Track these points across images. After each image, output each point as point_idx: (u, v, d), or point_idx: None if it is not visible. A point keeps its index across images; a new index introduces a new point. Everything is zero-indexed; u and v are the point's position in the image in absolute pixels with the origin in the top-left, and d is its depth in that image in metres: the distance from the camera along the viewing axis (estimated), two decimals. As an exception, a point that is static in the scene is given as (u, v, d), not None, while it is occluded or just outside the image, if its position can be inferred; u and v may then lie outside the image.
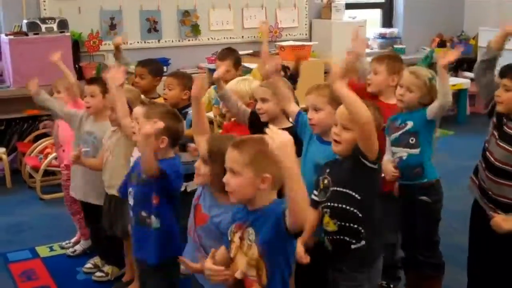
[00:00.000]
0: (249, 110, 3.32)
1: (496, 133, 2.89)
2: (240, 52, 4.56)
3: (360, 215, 2.48)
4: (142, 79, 4.14)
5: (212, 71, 6.04)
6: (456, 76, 8.03)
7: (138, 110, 2.91)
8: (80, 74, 5.90)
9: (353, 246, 2.50)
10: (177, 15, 6.65)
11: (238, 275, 2.10)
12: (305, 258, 2.49)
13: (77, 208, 4.07)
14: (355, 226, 2.49)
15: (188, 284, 2.74)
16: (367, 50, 7.52)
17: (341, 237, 2.51)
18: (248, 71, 4.96)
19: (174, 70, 5.15)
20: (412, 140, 3.17)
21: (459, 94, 7.72)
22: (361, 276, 2.51)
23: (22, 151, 5.69)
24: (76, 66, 5.93)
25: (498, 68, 3.02)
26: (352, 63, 3.38)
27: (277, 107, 3.13)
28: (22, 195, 5.40)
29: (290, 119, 3.14)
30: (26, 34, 5.64)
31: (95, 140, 3.68)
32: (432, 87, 3.14)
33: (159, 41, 6.59)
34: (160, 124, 2.63)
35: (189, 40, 6.75)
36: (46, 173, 5.34)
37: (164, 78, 4.13)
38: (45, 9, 5.99)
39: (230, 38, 6.88)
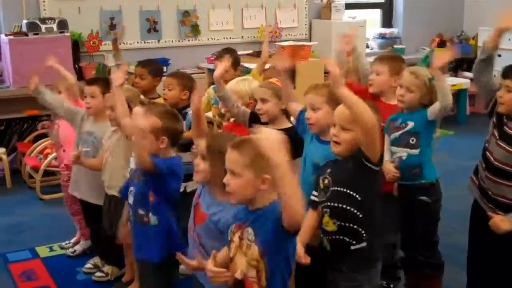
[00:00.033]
0: (248, 110, 3.32)
1: (496, 133, 2.88)
2: (240, 52, 4.57)
3: (360, 215, 2.47)
4: (142, 80, 4.14)
5: (211, 71, 6.05)
6: (456, 76, 8.04)
7: (138, 110, 2.92)
8: (80, 74, 5.90)
9: (352, 247, 2.49)
10: (177, 15, 6.66)
11: (238, 275, 2.10)
12: (305, 259, 2.49)
13: (77, 209, 4.07)
14: (355, 226, 2.48)
15: (189, 284, 2.75)
16: (367, 50, 7.54)
17: (340, 237, 2.51)
18: (247, 71, 4.96)
19: (174, 70, 5.16)
20: (412, 140, 3.18)
21: (459, 94, 7.72)
22: (361, 277, 2.51)
23: (22, 151, 5.69)
24: (76, 66, 5.93)
25: (497, 68, 3.01)
26: (341, 60, 3.38)
27: (277, 108, 3.13)
28: (22, 195, 5.40)
29: (292, 118, 3.14)
30: (26, 34, 5.64)
31: (95, 140, 3.68)
32: (432, 87, 3.14)
33: (159, 41, 6.59)
34: (157, 122, 2.63)
35: (189, 40, 6.75)
36: (46, 173, 5.34)
37: (164, 78, 4.13)
38: (45, 9, 5.99)
39: (230, 38, 6.89)
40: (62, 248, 4.25)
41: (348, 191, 2.48)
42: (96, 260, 3.93)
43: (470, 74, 7.22)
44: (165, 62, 6.15)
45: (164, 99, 3.81)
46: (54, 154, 5.01)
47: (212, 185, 2.47)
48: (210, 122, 4.00)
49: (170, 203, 2.84)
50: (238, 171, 2.08)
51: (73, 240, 4.27)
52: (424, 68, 3.39)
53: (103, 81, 3.79)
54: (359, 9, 7.96)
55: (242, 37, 6.99)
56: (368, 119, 2.32)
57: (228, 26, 6.93)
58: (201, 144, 2.53)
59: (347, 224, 2.49)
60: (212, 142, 2.44)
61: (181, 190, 3.27)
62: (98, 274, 3.82)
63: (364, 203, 2.47)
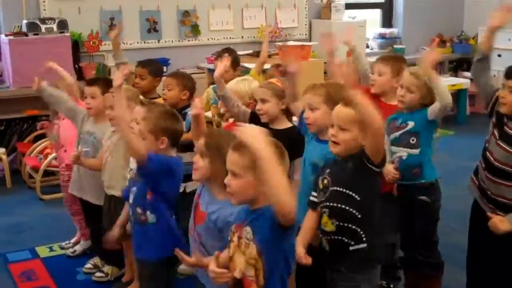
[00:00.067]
0: (249, 110, 3.32)
1: (496, 133, 2.88)
2: (240, 52, 4.57)
3: (359, 216, 2.47)
4: (142, 80, 4.14)
5: (211, 71, 6.05)
6: (456, 76, 8.05)
7: (138, 110, 2.92)
8: (80, 74, 5.90)
9: (351, 248, 2.49)
10: (177, 15, 6.66)
11: (237, 274, 2.10)
12: (306, 259, 2.49)
13: (77, 209, 4.07)
14: (353, 227, 2.48)
15: (189, 284, 2.75)
16: (367, 50, 7.54)
17: (339, 237, 2.51)
18: (247, 71, 4.97)
19: (174, 70, 5.16)
20: (413, 140, 3.18)
21: (459, 94, 7.72)
22: (360, 277, 2.51)
23: (22, 151, 5.69)
24: (76, 66, 5.93)
25: (496, 68, 3.01)
26: (331, 57, 3.37)
27: (277, 108, 3.14)
28: (22, 195, 5.40)
29: (295, 118, 3.15)
30: (26, 35, 5.64)
31: (95, 141, 3.68)
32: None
33: (159, 41, 6.59)
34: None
35: (189, 40, 6.75)
36: (46, 173, 5.34)
37: (164, 78, 4.13)
38: (44, 10, 5.99)
39: (230, 38, 6.89)
40: (62, 248, 4.25)
41: (347, 191, 2.48)
42: (96, 260, 3.94)
43: (469, 74, 7.22)
44: (165, 62, 6.15)
45: (164, 99, 3.81)
46: (54, 154, 5.02)
47: (211, 183, 2.48)
48: (209, 122, 4.01)
49: (169, 202, 2.84)
50: (239, 172, 2.08)
51: (73, 240, 4.28)
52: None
53: (103, 82, 3.79)
54: (359, 9, 7.97)
55: (242, 37, 6.99)
56: (378, 122, 2.33)
57: (228, 26, 6.93)
58: (199, 142, 2.54)
59: (345, 225, 2.49)
60: (210, 140, 2.45)
61: (181, 190, 3.28)
62: (98, 274, 3.82)
63: (363, 204, 2.47)
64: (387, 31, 7.99)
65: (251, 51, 6.47)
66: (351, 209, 2.47)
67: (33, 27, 5.64)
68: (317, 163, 2.77)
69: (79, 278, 3.87)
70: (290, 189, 1.90)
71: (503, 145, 2.83)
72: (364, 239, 2.49)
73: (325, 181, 2.56)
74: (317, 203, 2.58)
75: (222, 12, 6.88)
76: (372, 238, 2.51)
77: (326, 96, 2.78)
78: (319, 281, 2.65)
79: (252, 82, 3.66)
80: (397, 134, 3.21)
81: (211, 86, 4.24)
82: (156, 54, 6.05)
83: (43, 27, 5.66)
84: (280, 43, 6.60)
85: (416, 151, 3.18)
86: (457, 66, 8.18)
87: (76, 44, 5.99)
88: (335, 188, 2.51)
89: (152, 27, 6.54)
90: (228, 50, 4.49)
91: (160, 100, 3.87)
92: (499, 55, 7.40)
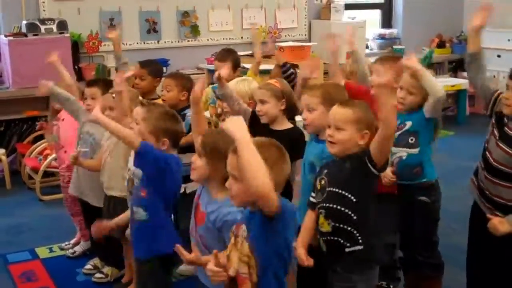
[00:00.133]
0: (250, 109, 3.32)
1: (496, 133, 2.88)
2: (240, 53, 4.56)
3: (354, 217, 2.48)
4: (142, 80, 4.13)
5: (211, 71, 6.05)
6: (456, 76, 8.06)
7: (138, 111, 2.92)
8: (79, 75, 5.90)
9: (347, 249, 2.50)
10: (176, 16, 6.66)
11: (231, 272, 2.10)
12: (307, 261, 2.49)
13: (78, 210, 4.07)
14: (349, 228, 2.48)
15: (189, 285, 2.75)
16: (367, 51, 7.54)
17: (335, 238, 2.51)
18: (247, 71, 4.95)
19: (173, 71, 5.15)
20: (411, 139, 3.18)
21: (458, 95, 7.73)
22: (356, 277, 2.51)
23: (22, 152, 5.69)
24: (76, 67, 5.93)
25: (496, 68, 3.01)
26: (333, 61, 3.38)
27: (276, 108, 3.14)
28: (22, 196, 5.40)
29: (298, 118, 3.15)
30: (26, 35, 5.64)
31: (94, 141, 3.69)
32: None
33: (158, 42, 6.59)
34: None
35: (188, 41, 6.75)
36: (46, 174, 5.34)
37: (163, 79, 4.12)
38: (44, 10, 5.99)
39: (230, 39, 6.89)
40: (62, 249, 4.25)
41: (343, 192, 2.49)
42: (96, 261, 3.93)
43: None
44: (164, 62, 6.15)
45: (163, 100, 3.80)
46: (53, 155, 5.01)
47: (209, 183, 2.48)
48: (208, 122, 4.00)
49: (165, 202, 2.84)
50: (238, 175, 2.07)
51: (72, 241, 4.27)
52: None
53: (104, 83, 3.79)
54: (358, 10, 7.97)
55: (242, 37, 6.99)
56: (394, 126, 2.36)
57: (227, 26, 6.93)
58: (197, 142, 2.54)
59: (341, 226, 2.49)
60: (207, 140, 2.45)
61: (181, 191, 3.27)
62: (98, 275, 3.82)
63: (359, 205, 2.48)
64: (386, 31, 7.99)
65: (250, 52, 6.43)
66: (346, 210, 2.48)
67: (32, 28, 5.64)
68: (314, 162, 2.78)
69: (79, 279, 3.87)
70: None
71: (503, 146, 2.83)
72: (360, 241, 2.50)
73: (323, 182, 2.56)
74: (316, 204, 2.58)
75: (221, 12, 6.88)
76: (368, 239, 2.51)
77: (323, 97, 2.80)
78: (320, 281, 2.65)
79: (252, 83, 3.66)
80: (396, 134, 3.21)
81: (210, 86, 4.23)
82: (156, 55, 6.05)
83: (42, 27, 5.65)
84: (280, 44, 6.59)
85: (415, 151, 3.18)
86: (456, 66, 8.18)
87: (75, 45, 5.99)
88: (332, 189, 2.52)
89: (151, 27, 6.54)
90: (229, 51, 4.48)
91: (159, 101, 3.87)
92: (499, 56, 7.40)
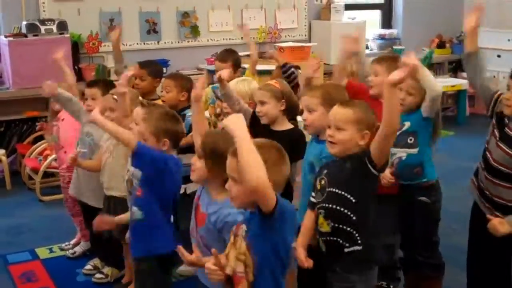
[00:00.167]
0: (250, 109, 3.32)
1: (497, 134, 2.89)
2: (240, 53, 4.55)
3: (353, 218, 2.48)
4: (142, 81, 4.13)
5: (211, 72, 6.05)
6: (456, 77, 8.05)
7: (138, 111, 2.92)
8: (79, 75, 5.89)
9: (346, 250, 2.50)
10: (176, 17, 6.66)
11: (228, 270, 2.11)
12: (307, 262, 2.49)
13: (78, 210, 4.07)
14: (348, 229, 2.49)
15: (189, 285, 2.75)
16: (367, 51, 7.54)
17: (334, 238, 2.51)
18: (245, 71, 4.95)
19: (172, 72, 5.15)
20: (410, 139, 3.19)
21: (458, 95, 7.73)
22: (355, 277, 2.51)
23: (22, 152, 5.69)
24: (76, 67, 5.93)
25: (495, 69, 3.02)
26: (343, 61, 3.39)
27: (276, 109, 3.14)
28: (22, 196, 5.40)
29: (299, 118, 3.15)
30: (26, 36, 5.64)
31: (92, 142, 3.69)
32: None
33: (158, 42, 6.59)
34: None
35: (188, 42, 6.75)
36: (46, 174, 5.34)
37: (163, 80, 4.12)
38: (44, 11, 5.98)
39: (230, 39, 6.88)
40: (62, 249, 4.25)
41: (343, 193, 2.49)
42: (96, 261, 3.94)
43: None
44: (164, 63, 6.15)
45: (162, 101, 3.80)
46: (53, 156, 5.01)
47: (209, 184, 2.48)
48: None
49: (163, 202, 2.84)
50: (237, 177, 2.07)
51: (73, 242, 4.27)
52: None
53: (104, 83, 3.80)
54: (358, 10, 7.97)
55: (242, 38, 6.96)
56: (396, 124, 2.36)
57: (227, 27, 6.93)
58: (197, 143, 2.54)
59: (340, 226, 2.49)
60: (207, 141, 2.45)
61: (182, 191, 3.28)
62: (98, 275, 3.82)
63: (358, 206, 2.48)
64: (386, 32, 7.99)
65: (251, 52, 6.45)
66: (346, 211, 2.48)
67: (32, 28, 5.64)
68: (313, 163, 2.78)
69: (79, 279, 3.87)
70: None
71: (503, 146, 2.83)
72: (359, 241, 2.50)
73: (323, 182, 2.57)
74: (315, 203, 2.58)
75: (221, 13, 6.88)
76: (368, 240, 2.51)
77: (323, 97, 2.80)
78: (320, 281, 2.65)
79: (252, 83, 3.66)
80: (394, 135, 3.21)
81: (210, 86, 4.24)
82: (156, 55, 6.05)
83: (42, 28, 5.66)
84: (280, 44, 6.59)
85: (414, 151, 3.19)
86: (456, 67, 8.17)
87: (75, 45, 5.99)
88: (332, 189, 2.52)
89: (151, 28, 6.54)
90: (230, 51, 4.47)
91: (159, 102, 3.87)
92: (499, 56, 7.40)
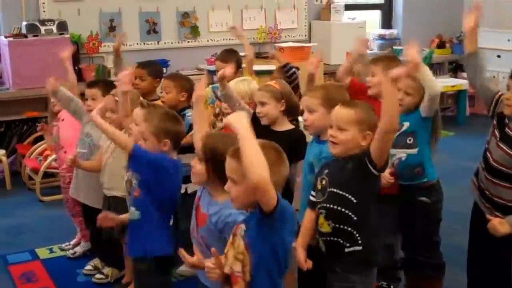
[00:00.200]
0: (251, 110, 3.32)
1: (497, 134, 2.89)
2: (240, 54, 4.55)
3: (354, 218, 2.48)
4: (142, 81, 4.13)
5: (211, 72, 6.05)
6: (456, 77, 8.06)
7: (138, 112, 2.92)
8: (79, 76, 5.89)
9: (346, 250, 2.50)
10: (176, 17, 6.66)
11: (226, 269, 2.11)
12: (306, 264, 2.49)
13: (79, 210, 4.06)
14: (349, 229, 2.49)
15: (189, 286, 2.75)
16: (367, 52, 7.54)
17: (335, 239, 2.51)
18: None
19: (172, 72, 5.15)
20: (409, 140, 3.19)
21: (458, 95, 7.74)
22: (355, 278, 2.51)
23: (22, 153, 5.69)
24: (76, 68, 5.92)
25: (495, 69, 3.02)
26: (351, 62, 3.41)
27: (276, 110, 3.14)
28: (22, 197, 5.40)
29: (300, 118, 3.16)
30: (26, 36, 5.64)
31: (91, 143, 3.69)
32: None
33: (158, 42, 6.59)
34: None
35: (188, 42, 6.75)
36: (46, 175, 5.34)
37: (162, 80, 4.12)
38: (44, 11, 5.98)
39: (230, 39, 6.83)
40: (62, 249, 4.25)
41: (344, 193, 2.49)
42: (96, 261, 3.94)
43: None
44: (164, 63, 6.15)
45: (162, 101, 3.80)
46: (53, 156, 5.01)
47: (209, 185, 2.48)
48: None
49: (160, 203, 2.83)
50: (237, 178, 2.08)
51: (73, 242, 4.27)
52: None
53: (104, 84, 3.80)
54: (358, 10, 7.97)
55: (236, 38, 6.96)
56: (396, 120, 2.35)
57: (227, 27, 6.91)
58: (197, 145, 2.54)
59: (341, 226, 2.49)
60: (207, 144, 2.45)
61: (182, 191, 3.28)
62: (98, 276, 3.82)
63: (359, 207, 2.48)
64: (386, 32, 7.99)
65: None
66: (347, 211, 2.48)
67: (32, 29, 5.64)
68: (313, 163, 2.78)
69: (79, 279, 3.87)
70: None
71: (503, 146, 2.84)
72: (359, 241, 2.50)
73: (324, 182, 2.56)
74: (316, 203, 2.58)
75: (221, 13, 6.87)
76: (368, 240, 2.51)
77: (324, 98, 2.79)
78: (321, 281, 2.65)
79: (251, 83, 3.66)
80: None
81: (210, 86, 4.24)
82: (156, 56, 6.05)
83: (42, 28, 5.66)
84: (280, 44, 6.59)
85: (414, 151, 3.19)
86: (456, 67, 8.18)
87: (75, 46, 5.98)
88: (333, 189, 2.52)
89: (151, 28, 6.54)
90: (231, 51, 4.47)
91: (159, 102, 3.87)
92: (499, 56, 7.41)
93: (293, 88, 3.57)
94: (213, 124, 3.90)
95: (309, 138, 3.09)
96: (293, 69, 4.08)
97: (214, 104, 3.97)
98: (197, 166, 2.47)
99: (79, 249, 4.19)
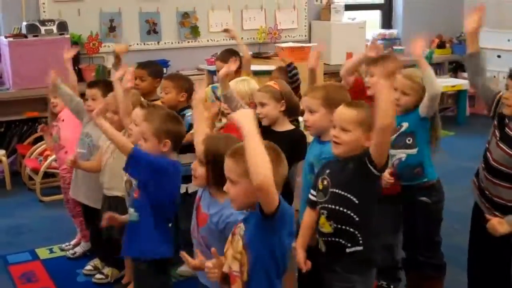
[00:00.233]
0: (252, 110, 3.31)
1: (497, 134, 2.89)
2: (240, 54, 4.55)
3: (356, 218, 2.48)
4: (142, 81, 4.13)
5: (211, 72, 6.06)
6: (456, 77, 8.06)
7: (138, 112, 2.92)
8: (79, 76, 5.89)
9: (348, 250, 2.50)
10: (176, 17, 6.65)
11: (224, 268, 2.11)
12: (305, 265, 2.49)
13: (79, 211, 4.06)
14: (351, 229, 2.48)
15: (189, 286, 2.75)
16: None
17: (336, 239, 2.51)
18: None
19: (172, 72, 5.14)
20: (409, 140, 3.19)
21: (458, 95, 7.73)
22: (355, 278, 2.51)
23: (22, 153, 5.69)
24: (76, 68, 5.92)
25: (495, 69, 3.02)
26: (359, 62, 3.43)
27: (276, 110, 3.14)
28: (22, 197, 5.40)
29: (301, 118, 3.15)
30: (26, 36, 5.64)
31: (91, 143, 3.70)
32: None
33: (158, 43, 6.59)
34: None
35: (188, 42, 6.75)
36: (46, 175, 5.34)
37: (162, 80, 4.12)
38: (44, 11, 5.98)
39: (230, 39, 6.85)
40: (62, 250, 4.25)
41: (346, 194, 2.48)
42: (96, 262, 3.93)
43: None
44: (164, 63, 6.15)
45: (162, 102, 3.80)
46: (54, 156, 5.01)
47: (210, 186, 2.48)
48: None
49: (158, 205, 2.83)
50: (236, 179, 2.08)
51: (73, 242, 4.27)
52: (418, 69, 3.39)
53: (104, 84, 3.79)
54: (358, 10, 7.97)
55: (242, 38, 6.93)
56: (392, 115, 2.32)
57: (227, 27, 6.91)
58: (199, 148, 2.54)
59: (343, 227, 2.49)
60: (208, 146, 2.45)
61: (183, 191, 3.28)
62: (98, 276, 3.82)
63: (361, 207, 2.48)
64: (386, 32, 7.99)
65: (250, 53, 6.45)
66: (349, 212, 2.48)
67: (32, 29, 5.64)
68: (313, 162, 2.78)
69: (79, 280, 3.87)
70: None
71: (503, 146, 2.84)
72: (361, 241, 2.50)
73: (325, 182, 2.56)
74: (316, 203, 2.58)
75: (221, 13, 6.87)
76: (369, 240, 2.51)
77: (324, 98, 2.79)
78: (321, 281, 2.65)
79: (251, 83, 3.66)
80: (393, 136, 3.21)
81: (210, 86, 4.24)
82: (156, 56, 6.05)
83: (42, 28, 5.66)
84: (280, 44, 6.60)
85: (414, 151, 3.19)
86: (456, 67, 8.18)
87: (75, 46, 5.98)
88: (334, 190, 2.51)
89: (151, 28, 6.54)
90: (231, 51, 4.47)
91: (158, 103, 3.87)
92: (499, 56, 7.41)
93: (295, 88, 3.57)
94: (212, 125, 3.89)
95: (309, 138, 3.09)
96: (296, 70, 4.10)
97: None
98: (198, 170, 2.47)
99: (79, 249, 4.19)
